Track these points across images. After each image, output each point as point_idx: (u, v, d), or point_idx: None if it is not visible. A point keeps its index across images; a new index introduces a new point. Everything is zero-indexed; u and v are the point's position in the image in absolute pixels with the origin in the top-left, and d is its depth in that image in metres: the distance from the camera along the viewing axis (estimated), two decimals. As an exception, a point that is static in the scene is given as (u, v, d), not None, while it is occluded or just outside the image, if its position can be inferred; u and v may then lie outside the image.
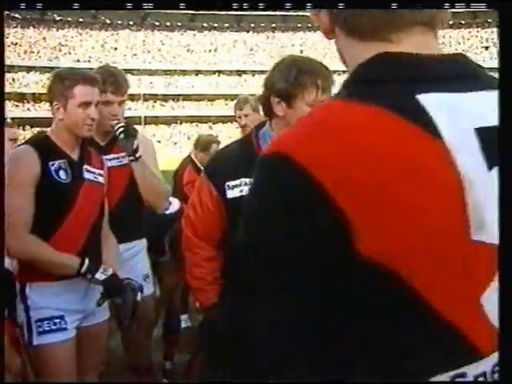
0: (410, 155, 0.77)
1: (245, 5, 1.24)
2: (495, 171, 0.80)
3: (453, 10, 0.91)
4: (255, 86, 51.58)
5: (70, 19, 60.18)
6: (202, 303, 2.36)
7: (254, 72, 59.66)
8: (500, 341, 0.79)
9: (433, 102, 0.81)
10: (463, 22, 63.64)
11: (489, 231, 0.78)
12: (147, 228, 3.30)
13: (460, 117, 0.81)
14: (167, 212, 3.77)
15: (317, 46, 62.06)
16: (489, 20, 61.61)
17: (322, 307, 0.79)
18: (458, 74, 0.86)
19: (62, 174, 2.55)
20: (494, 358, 0.80)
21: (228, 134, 30.80)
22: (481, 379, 0.79)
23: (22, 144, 2.76)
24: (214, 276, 2.29)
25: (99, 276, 2.52)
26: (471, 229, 0.77)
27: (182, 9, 1.27)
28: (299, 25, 64.42)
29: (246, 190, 2.15)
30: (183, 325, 4.86)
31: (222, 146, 4.75)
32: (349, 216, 0.74)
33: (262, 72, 58.44)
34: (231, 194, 2.21)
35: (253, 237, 0.82)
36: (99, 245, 2.71)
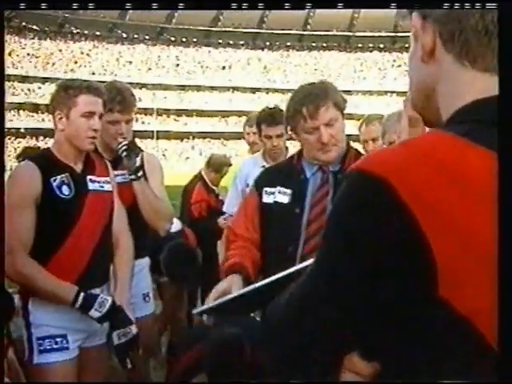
0: None
1: (244, 5, 1.25)
2: None
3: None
4: (269, 104, 51.23)
5: (86, 32, 60.69)
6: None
7: (268, 90, 59.99)
8: (500, 341, 0.80)
9: None
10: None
11: None
12: (151, 248, 3.27)
13: None
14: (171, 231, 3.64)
15: (330, 65, 62.41)
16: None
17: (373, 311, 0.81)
18: None
19: (64, 189, 2.49)
20: None
21: (241, 152, 30.79)
22: None
23: (24, 160, 2.69)
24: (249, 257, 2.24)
25: (93, 313, 2.43)
26: None
27: (181, 9, 1.25)
28: (313, 44, 64.80)
29: (279, 197, 2.30)
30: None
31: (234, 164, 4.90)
32: (435, 257, 0.75)
33: (275, 90, 58.90)
34: (266, 199, 2.34)
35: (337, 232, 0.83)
36: (106, 256, 2.64)
